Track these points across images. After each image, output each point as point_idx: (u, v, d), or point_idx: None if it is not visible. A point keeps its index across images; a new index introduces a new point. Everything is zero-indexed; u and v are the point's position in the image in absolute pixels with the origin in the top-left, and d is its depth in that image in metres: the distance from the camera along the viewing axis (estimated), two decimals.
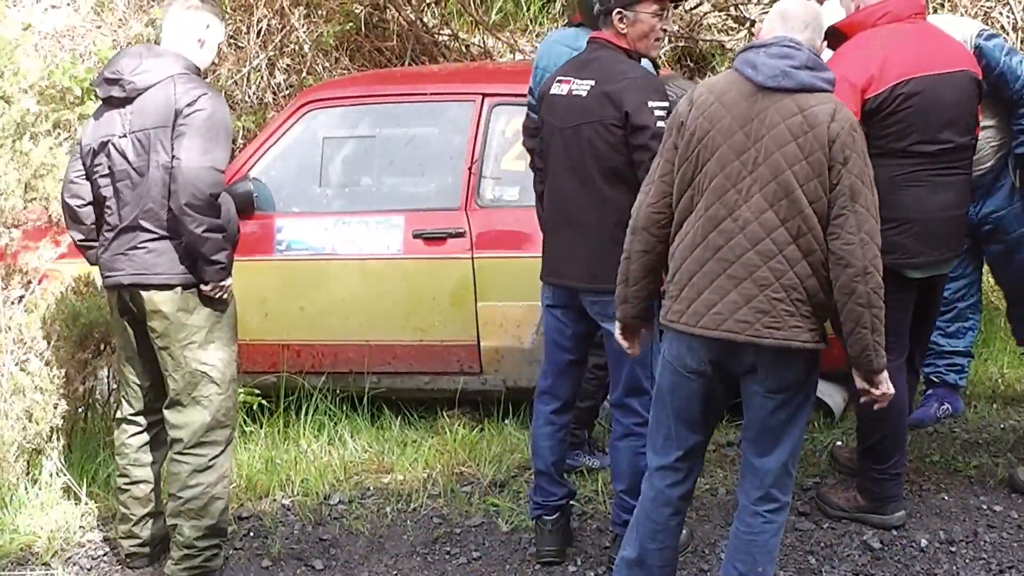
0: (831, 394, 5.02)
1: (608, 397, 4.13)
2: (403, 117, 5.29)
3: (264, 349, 5.16)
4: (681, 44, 7.98)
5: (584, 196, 3.74)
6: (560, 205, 3.84)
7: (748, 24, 7.88)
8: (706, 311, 3.19)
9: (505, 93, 5.14)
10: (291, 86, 7.73)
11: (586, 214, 3.75)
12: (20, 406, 4.53)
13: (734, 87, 3.23)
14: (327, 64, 7.81)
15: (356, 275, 5.10)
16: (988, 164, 4.54)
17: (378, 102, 5.35)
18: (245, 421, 5.06)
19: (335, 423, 5.14)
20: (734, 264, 3.16)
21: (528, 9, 8.35)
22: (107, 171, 3.87)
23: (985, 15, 7.43)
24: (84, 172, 3.94)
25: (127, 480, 4.10)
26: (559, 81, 3.83)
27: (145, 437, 4.11)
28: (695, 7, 7.96)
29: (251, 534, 4.39)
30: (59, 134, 5.16)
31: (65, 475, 4.58)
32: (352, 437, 5.06)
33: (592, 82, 3.71)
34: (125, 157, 3.83)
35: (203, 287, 3.84)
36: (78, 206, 3.97)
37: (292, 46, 7.88)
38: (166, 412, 3.95)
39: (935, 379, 5.05)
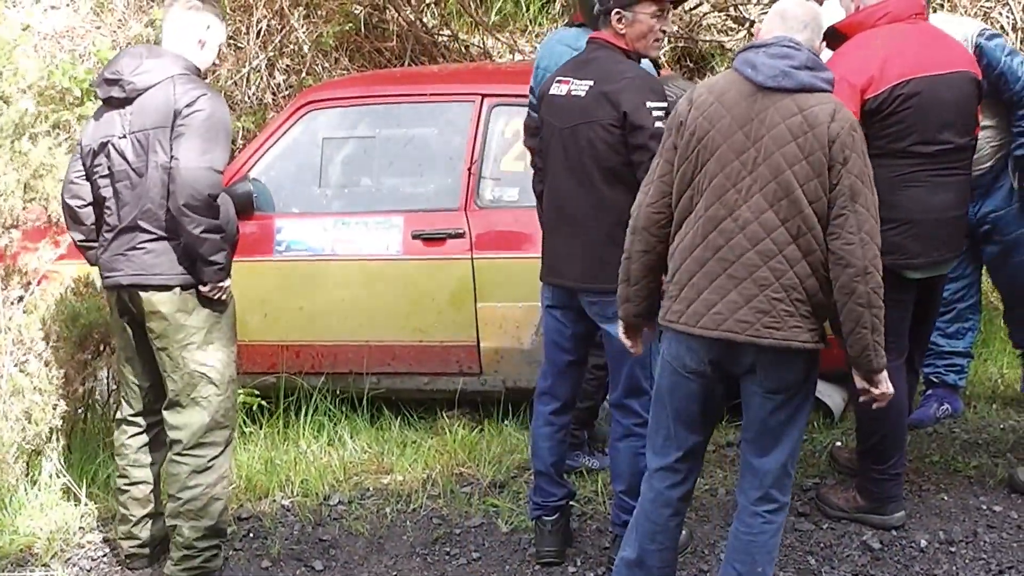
0: (830, 394, 5.02)
1: (607, 397, 4.13)
2: (403, 118, 5.29)
3: (263, 350, 5.16)
4: (681, 44, 7.98)
5: (583, 196, 3.74)
6: (559, 205, 3.84)
7: (748, 24, 7.88)
8: (706, 311, 3.19)
9: (505, 94, 5.14)
10: (291, 86, 7.73)
11: (585, 214, 3.75)
12: (19, 407, 4.53)
13: (734, 87, 3.23)
14: (327, 64, 7.81)
15: (356, 276, 5.09)
16: (987, 164, 4.54)
17: (378, 103, 5.35)
18: (245, 422, 5.06)
19: (335, 424, 5.14)
20: (734, 264, 3.16)
21: (528, 10, 8.35)
22: (107, 172, 3.87)
23: (985, 15, 7.43)
24: (84, 173, 3.94)
25: (127, 481, 4.10)
26: (558, 81, 3.84)
27: (145, 438, 4.11)
28: (695, 7, 7.96)
29: (251, 535, 4.39)
30: (58, 134, 5.16)
31: (65, 476, 4.58)
32: (352, 438, 5.06)
33: (591, 82, 3.71)
34: (124, 158, 3.83)
35: (202, 288, 3.84)
36: (78, 207, 3.97)
37: (292, 46, 7.89)
38: (165, 413, 3.95)
39: (934, 379, 5.06)
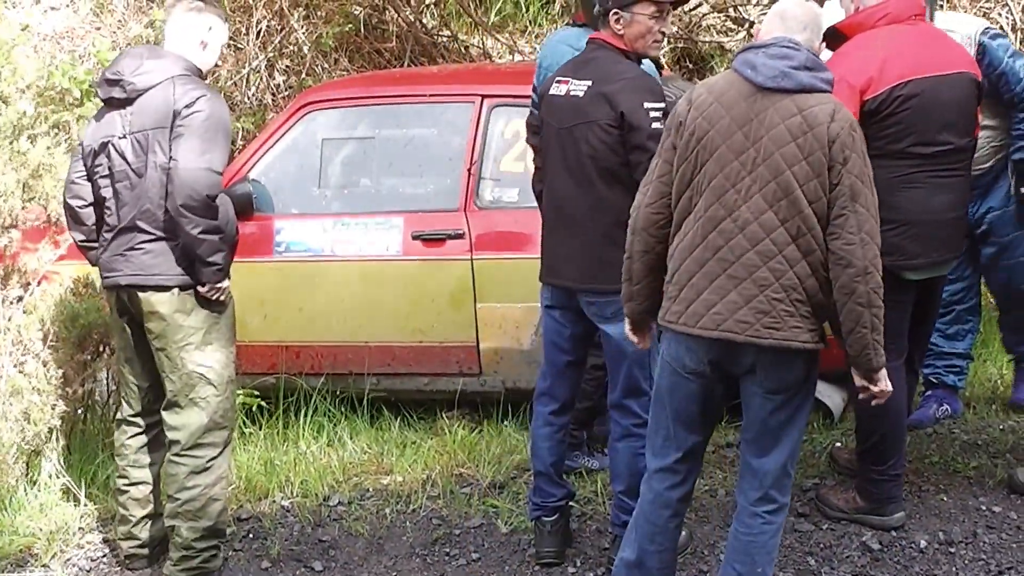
0: (830, 395, 5.02)
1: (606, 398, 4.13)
2: (402, 118, 5.29)
3: (263, 350, 5.15)
4: (680, 45, 7.98)
5: (581, 196, 3.75)
6: (558, 205, 3.84)
7: (747, 25, 7.88)
8: (705, 311, 3.19)
9: (504, 94, 5.14)
10: (290, 87, 7.73)
11: (583, 214, 3.75)
12: (18, 407, 4.53)
13: (733, 87, 3.22)
14: (326, 65, 7.81)
15: (355, 276, 5.09)
16: (987, 164, 4.55)
17: (377, 103, 5.35)
18: (244, 422, 5.06)
19: (334, 424, 5.14)
20: (734, 264, 3.16)
21: (527, 10, 8.34)
22: (107, 172, 3.87)
23: (984, 16, 7.43)
24: (85, 173, 3.94)
25: (126, 481, 4.10)
26: (558, 81, 3.84)
27: (144, 438, 4.10)
28: (694, 8, 7.96)
29: (250, 535, 4.39)
30: (57, 135, 5.16)
31: (64, 476, 4.58)
32: (351, 438, 5.06)
33: (589, 82, 3.71)
34: (124, 158, 3.83)
35: (200, 288, 3.84)
36: (79, 207, 3.97)
37: (291, 47, 7.89)
38: (164, 413, 3.95)
39: (934, 380, 5.06)
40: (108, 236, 3.90)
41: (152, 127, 3.78)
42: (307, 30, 7.87)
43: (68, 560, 4.28)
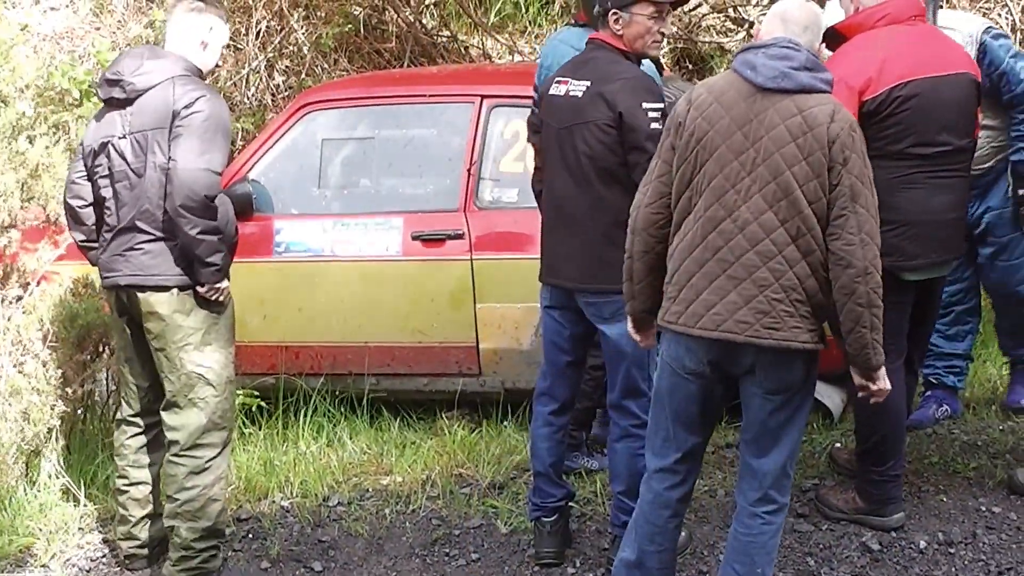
0: (830, 395, 5.02)
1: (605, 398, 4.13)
2: (402, 119, 5.29)
3: (263, 351, 5.15)
4: (680, 45, 7.98)
5: (580, 196, 3.75)
6: (557, 205, 3.85)
7: (747, 26, 7.88)
8: (705, 312, 3.19)
9: (504, 95, 5.14)
10: (290, 88, 7.73)
11: (582, 214, 3.75)
12: (18, 408, 4.53)
13: (733, 88, 3.23)
14: (326, 66, 7.81)
15: (355, 277, 5.09)
16: (988, 164, 4.54)
17: (377, 104, 5.35)
18: (244, 423, 5.06)
19: (334, 425, 5.14)
20: (733, 265, 3.16)
21: (527, 11, 8.34)
22: (107, 172, 3.87)
23: (984, 16, 7.43)
24: (86, 173, 3.94)
25: (126, 481, 4.10)
26: (557, 82, 3.84)
27: (144, 438, 4.10)
28: (694, 8, 7.96)
29: (250, 536, 4.39)
30: (56, 134, 5.16)
31: (64, 477, 4.58)
32: (351, 439, 5.05)
33: (588, 83, 3.71)
34: (124, 158, 3.83)
35: (199, 289, 3.83)
36: (79, 207, 3.97)
37: (291, 48, 7.89)
38: (163, 414, 3.95)
39: (933, 380, 5.06)
40: (108, 236, 3.91)
41: (151, 127, 3.78)
42: (307, 30, 7.87)
43: (68, 560, 4.28)
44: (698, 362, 3.26)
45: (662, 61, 4.73)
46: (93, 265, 4.10)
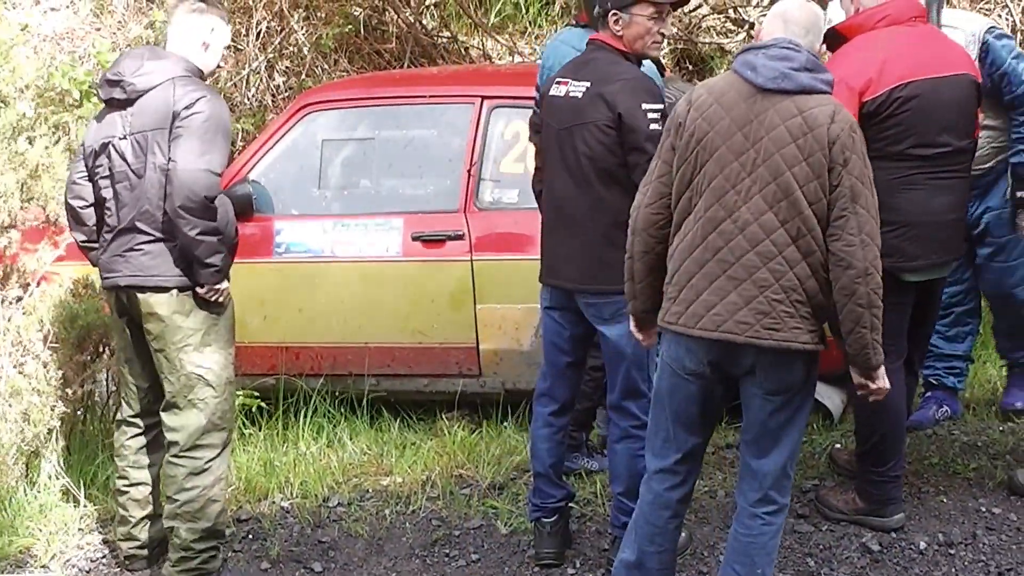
0: (830, 396, 5.02)
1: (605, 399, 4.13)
2: (402, 119, 5.29)
3: (263, 351, 5.15)
4: (680, 46, 7.98)
5: (579, 197, 3.75)
6: (558, 206, 3.85)
7: (747, 26, 7.88)
8: (705, 312, 3.19)
9: (504, 95, 5.14)
10: (290, 88, 7.73)
11: (582, 215, 3.75)
12: (18, 408, 4.53)
13: (733, 88, 3.23)
14: (326, 66, 7.81)
15: (355, 277, 5.09)
16: (988, 164, 4.54)
17: (377, 104, 5.36)
18: (244, 423, 5.06)
19: (334, 425, 5.14)
20: (734, 265, 3.16)
21: (527, 12, 8.34)
22: (107, 172, 3.87)
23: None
24: (86, 173, 3.95)
25: (126, 482, 4.10)
26: (557, 82, 3.84)
27: (144, 439, 4.10)
28: (694, 9, 7.95)
29: (250, 536, 4.38)
30: (56, 134, 5.16)
31: (64, 477, 4.58)
32: (351, 439, 5.05)
33: (588, 83, 3.71)
34: (124, 159, 3.83)
35: (198, 290, 3.83)
36: (80, 207, 3.97)
37: (291, 48, 7.88)
38: (163, 414, 3.95)
39: (933, 381, 5.06)
40: (108, 237, 3.91)
41: (152, 128, 3.78)
42: (307, 31, 7.86)
43: (67, 561, 4.28)
44: (698, 363, 3.26)
45: (663, 62, 4.72)
46: (94, 266, 4.10)
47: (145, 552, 4.14)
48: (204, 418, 3.90)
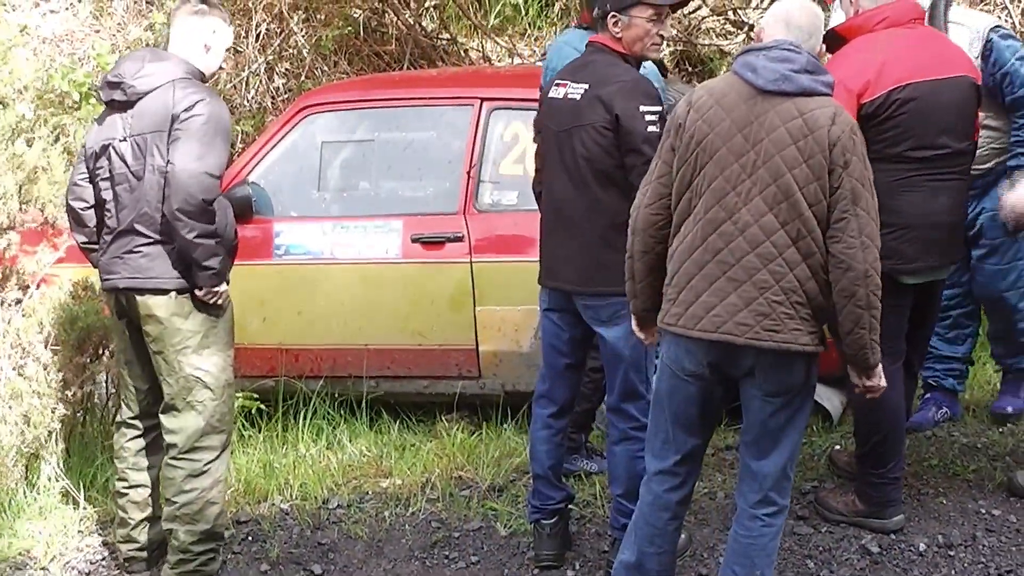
0: (829, 398, 5.01)
1: (604, 401, 4.13)
2: (402, 121, 5.29)
3: (262, 353, 5.15)
4: (680, 48, 7.98)
5: (578, 199, 3.75)
6: (556, 207, 3.85)
7: (746, 28, 7.88)
8: (704, 314, 3.19)
9: (504, 97, 5.14)
10: (290, 90, 7.73)
11: (580, 217, 3.75)
12: (18, 410, 4.53)
13: (733, 90, 3.23)
14: (326, 68, 7.81)
15: (355, 279, 5.09)
16: (988, 165, 4.53)
17: (376, 106, 5.36)
18: (243, 425, 5.06)
19: (333, 427, 5.14)
20: (734, 267, 3.16)
21: (527, 13, 8.35)
22: (107, 174, 3.87)
23: None
24: (87, 175, 3.94)
25: (125, 484, 4.10)
26: (556, 84, 3.84)
27: (144, 441, 4.09)
28: (693, 11, 7.96)
29: (249, 538, 4.38)
30: (55, 134, 5.16)
31: (63, 479, 4.58)
32: (350, 441, 5.05)
33: (586, 85, 3.71)
34: (124, 161, 3.83)
35: (197, 292, 3.83)
36: (81, 209, 3.97)
37: (291, 50, 7.88)
38: (162, 416, 3.94)
39: (933, 383, 5.05)
40: (108, 238, 3.91)
41: (151, 130, 3.78)
42: (306, 33, 7.86)
43: (67, 563, 4.28)
44: (697, 364, 3.26)
45: (666, 64, 4.73)
46: (95, 267, 4.10)
47: (145, 554, 4.14)
48: (202, 420, 3.90)
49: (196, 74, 3.89)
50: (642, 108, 3.61)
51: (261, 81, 7.74)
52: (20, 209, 4.85)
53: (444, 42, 8.20)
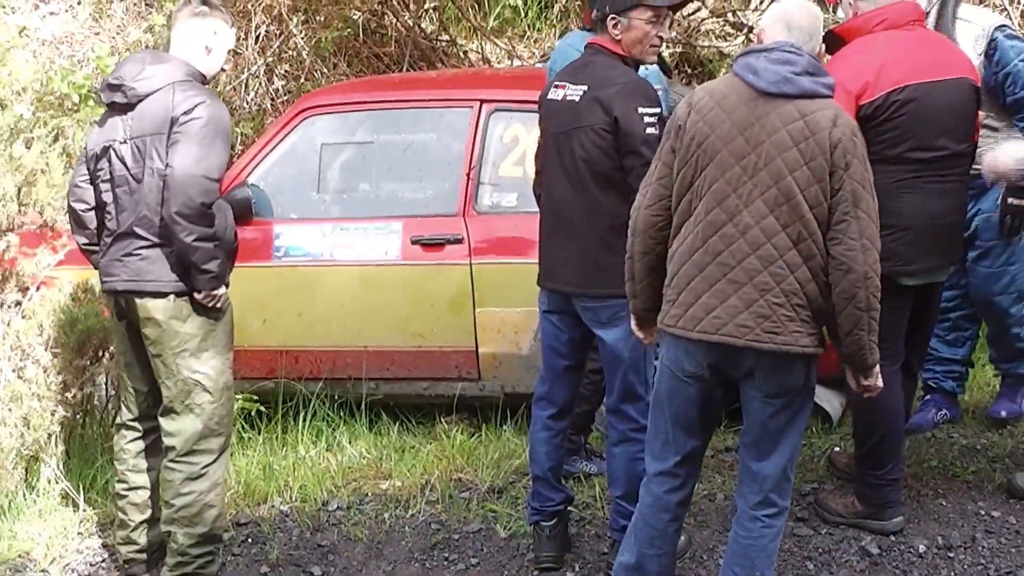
0: (829, 399, 5.02)
1: (603, 402, 4.13)
2: (401, 123, 5.29)
3: (262, 355, 5.15)
4: (679, 50, 7.99)
5: (577, 201, 3.75)
6: (556, 209, 3.85)
7: (746, 30, 7.88)
8: (704, 315, 3.19)
9: (503, 99, 5.14)
10: (289, 92, 7.73)
11: (579, 218, 3.75)
12: (18, 413, 4.53)
13: (734, 92, 3.23)
14: (325, 70, 7.81)
15: (354, 281, 5.09)
16: None
17: (376, 108, 5.36)
18: (243, 427, 5.06)
19: (333, 429, 5.14)
20: (734, 269, 3.16)
21: (526, 15, 8.35)
22: (108, 176, 3.87)
23: None
24: (89, 176, 3.94)
25: (125, 486, 4.09)
26: (555, 86, 3.84)
27: (143, 443, 4.09)
28: (693, 13, 7.97)
29: (249, 540, 4.39)
30: (54, 135, 5.16)
31: (63, 482, 4.58)
32: (350, 443, 5.05)
33: (585, 87, 3.72)
34: (124, 163, 3.83)
35: (196, 295, 3.83)
36: (82, 210, 3.97)
37: (290, 52, 7.89)
38: (161, 419, 3.94)
39: (932, 385, 5.05)
40: (108, 240, 3.90)
41: (150, 133, 3.78)
42: (306, 35, 7.87)
43: (67, 565, 4.28)
44: (697, 365, 3.26)
45: (668, 65, 4.72)
46: (96, 269, 4.10)
47: (144, 556, 4.14)
48: (201, 423, 3.89)
49: (197, 76, 3.89)
50: (641, 110, 3.61)
51: (260, 83, 7.74)
52: (19, 211, 4.84)
53: (444, 44, 8.21)
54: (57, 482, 4.59)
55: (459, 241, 4.98)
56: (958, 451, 4.84)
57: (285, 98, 7.68)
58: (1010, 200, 4.41)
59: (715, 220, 3.18)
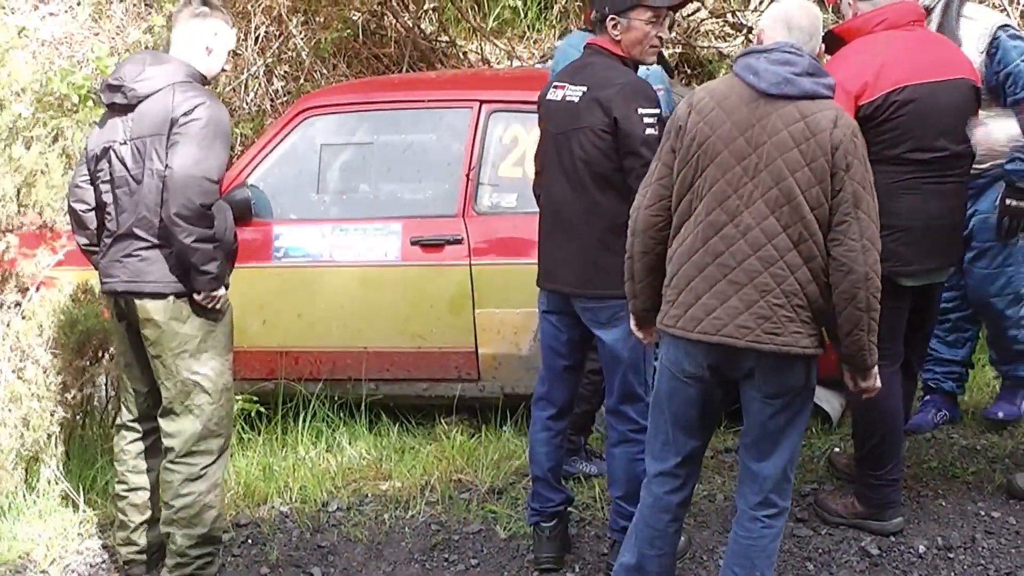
0: (829, 400, 5.02)
1: (603, 403, 4.13)
2: (401, 124, 5.29)
3: (262, 356, 5.15)
4: (679, 51, 7.99)
5: (576, 201, 3.75)
6: (555, 209, 3.85)
7: (745, 31, 7.89)
8: (704, 316, 3.19)
9: (503, 100, 5.14)
10: (289, 93, 7.73)
11: (579, 219, 3.75)
12: (17, 413, 4.53)
13: (734, 92, 3.23)
14: (325, 71, 7.81)
15: (354, 282, 5.09)
16: (985, 166, 4.52)
17: (376, 109, 5.36)
18: (243, 428, 5.06)
19: (333, 430, 5.14)
20: (735, 269, 3.16)
21: (526, 16, 8.35)
22: (108, 177, 3.87)
23: None
24: (89, 177, 3.94)
25: (125, 487, 4.09)
26: (555, 87, 3.84)
27: (143, 444, 4.09)
28: (692, 13, 7.97)
29: (249, 541, 4.38)
30: (54, 135, 5.16)
31: (63, 482, 4.58)
32: (350, 444, 5.05)
33: (584, 88, 3.72)
34: (124, 164, 3.82)
35: (195, 296, 3.83)
36: (83, 211, 3.96)
37: (290, 53, 7.88)
38: (160, 420, 3.94)
39: (932, 385, 5.05)
40: (108, 241, 3.90)
41: (150, 134, 3.78)
42: (305, 36, 7.86)
43: (67, 566, 4.28)
44: (697, 366, 3.26)
45: (670, 65, 4.71)
46: (96, 269, 4.10)
47: (144, 557, 4.14)
48: (200, 424, 3.89)
49: (197, 77, 3.89)
50: (640, 111, 3.61)
51: (260, 84, 7.74)
52: (19, 212, 4.84)
53: (443, 45, 8.21)
54: (57, 483, 4.59)
55: (459, 242, 4.98)
56: (958, 452, 4.84)
57: (285, 99, 7.68)
58: (1008, 201, 4.41)
59: (716, 221, 3.18)
